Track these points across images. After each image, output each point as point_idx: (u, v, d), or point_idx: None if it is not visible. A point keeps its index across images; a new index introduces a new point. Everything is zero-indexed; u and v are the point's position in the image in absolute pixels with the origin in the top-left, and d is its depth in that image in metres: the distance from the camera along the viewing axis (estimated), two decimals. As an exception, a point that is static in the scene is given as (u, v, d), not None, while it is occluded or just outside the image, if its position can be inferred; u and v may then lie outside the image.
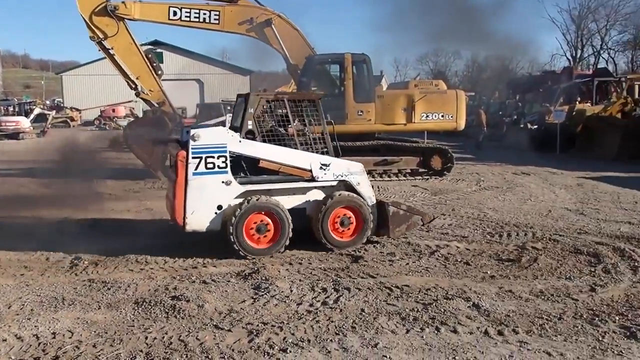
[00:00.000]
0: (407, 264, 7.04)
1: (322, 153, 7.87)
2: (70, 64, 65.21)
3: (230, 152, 7.31)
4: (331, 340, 4.79)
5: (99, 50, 14.90)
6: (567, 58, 61.66)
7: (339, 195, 7.60)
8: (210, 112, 26.97)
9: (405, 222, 7.91)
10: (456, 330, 4.98)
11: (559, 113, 21.38)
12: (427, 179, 14.40)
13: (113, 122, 46.91)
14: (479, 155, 19.92)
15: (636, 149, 17.19)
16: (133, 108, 47.28)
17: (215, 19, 14.50)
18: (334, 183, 7.72)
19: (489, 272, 6.66)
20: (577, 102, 23.11)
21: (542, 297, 5.80)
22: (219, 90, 51.48)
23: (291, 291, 6.02)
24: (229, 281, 6.39)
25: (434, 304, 5.56)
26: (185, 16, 14.46)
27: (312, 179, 7.59)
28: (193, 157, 7.17)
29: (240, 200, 7.30)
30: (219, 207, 7.33)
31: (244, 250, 7.26)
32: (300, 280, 6.38)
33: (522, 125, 24.19)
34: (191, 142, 7.17)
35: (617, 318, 5.21)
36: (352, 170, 7.76)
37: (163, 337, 4.90)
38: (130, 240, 8.32)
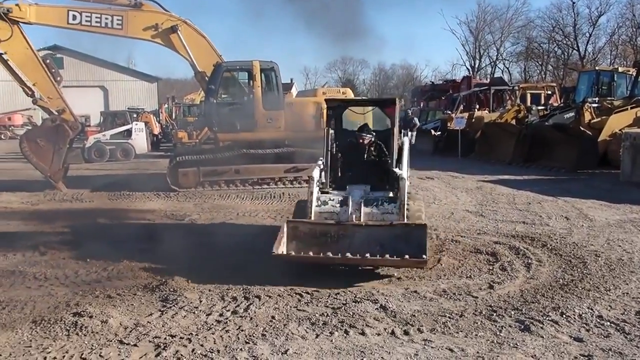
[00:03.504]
0: (316, 269, 7.10)
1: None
2: (-42, 69, 60.44)
3: None
4: (241, 350, 4.76)
5: (-8, 55, 14.02)
6: (467, 68, 65.40)
7: None
8: (115, 120, 26.04)
9: None
10: (364, 332, 5.09)
11: (460, 120, 22.48)
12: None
13: (9, 131, 44.19)
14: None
15: (529, 153, 18.39)
16: (31, 116, 44.74)
17: (118, 24, 14.02)
18: None
19: (395, 274, 6.86)
20: (476, 110, 24.45)
21: (445, 296, 6.06)
22: (124, 97, 49.85)
23: (200, 301, 5.92)
24: (135, 294, 6.19)
25: (343, 308, 5.66)
26: (86, 21, 13.89)
27: None
28: None
29: None
30: None
31: None
32: (210, 290, 6.28)
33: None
34: None
35: (512, 313, 5.51)
36: None
37: (63, 357, 4.66)
38: (29, 256, 7.90)
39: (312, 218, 7.22)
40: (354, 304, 5.77)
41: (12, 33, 13.47)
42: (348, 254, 6.53)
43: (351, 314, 5.52)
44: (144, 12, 14.20)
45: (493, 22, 63.51)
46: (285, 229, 6.93)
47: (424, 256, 6.30)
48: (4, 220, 10.64)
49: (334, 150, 8.09)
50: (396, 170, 7.39)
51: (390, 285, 6.47)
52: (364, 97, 13.88)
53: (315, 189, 7.43)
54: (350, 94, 15.97)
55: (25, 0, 13.65)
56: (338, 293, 6.11)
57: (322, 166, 7.81)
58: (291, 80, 38.70)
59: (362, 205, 7.19)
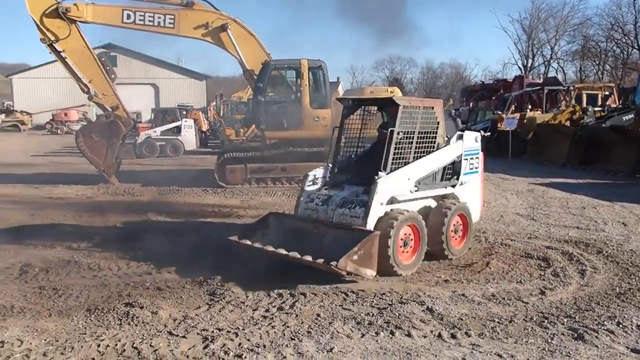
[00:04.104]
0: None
1: None
2: (21, 66, 63.16)
3: None
4: (287, 346, 4.78)
5: (50, 53, 14.56)
6: (519, 67, 63.64)
7: None
8: (165, 117, 26.59)
9: None
10: (410, 334, 5.04)
11: (511, 120, 21.96)
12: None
13: (65, 127, 45.80)
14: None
15: (584, 155, 17.79)
16: (86, 112, 46.28)
17: (170, 23, 14.33)
18: None
19: (442, 277, 6.77)
20: (528, 110, 23.82)
21: (494, 300, 5.93)
22: (174, 94, 50.95)
23: (247, 297, 5.98)
24: (184, 287, 6.32)
25: (388, 308, 5.62)
26: (140, 19, 14.24)
27: None
28: None
29: None
30: None
31: None
32: (256, 285, 6.34)
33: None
34: None
35: (565, 320, 5.35)
36: None
37: (116, 345, 4.80)
38: (83, 246, 8.17)
39: (299, 214, 7.45)
40: (400, 305, 5.72)
41: (70, 32, 13.94)
42: (281, 250, 6.65)
43: (397, 314, 5.47)
44: (195, 11, 14.46)
45: (547, 20, 61.62)
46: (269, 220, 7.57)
47: (334, 263, 6.07)
48: (60, 212, 11.03)
49: (353, 148, 7.95)
50: (380, 172, 6.93)
51: (437, 287, 6.37)
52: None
53: (307, 186, 7.62)
54: (398, 93, 15.81)
55: (82, 0, 14.11)
56: (384, 294, 6.06)
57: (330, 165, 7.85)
58: (338, 78, 38.65)
59: (338, 206, 7.16)
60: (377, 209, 6.81)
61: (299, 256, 6.45)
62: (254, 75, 14.61)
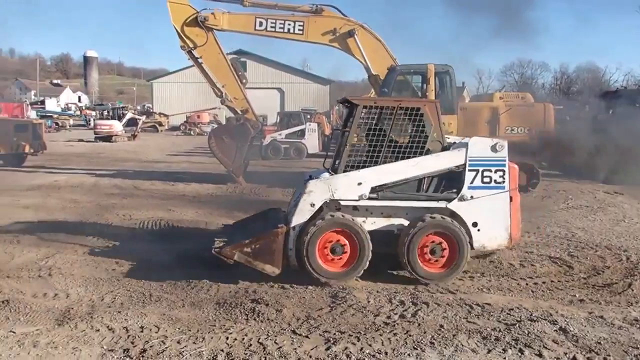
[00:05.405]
0: (489, 281, 6.83)
1: None
2: (160, 72, 68.59)
3: None
4: (409, 355, 4.70)
5: (189, 59, 15.57)
6: (667, 71, 57.64)
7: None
8: (290, 121, 27.37)
9: None
10: (541, 354, 4.74)
11: (657, 130, 20.02)
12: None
13: (197, 128, 48.82)
14: (567, 172, 18.92)
15: None
16: (217, 115, 49.02)
17: (299, 30, 14.76)
18: None
19: (577, 296, 6.33)
20: (678, 119, 21.58)
21: (637, 325, 5.43)
22: (299, 99, 52.43)
23: (368, 302, 5.97)
24: (307, 288, 6.44)
25: (517, 325, 5.34)
26: (271, 27, 14.82)
27: None
28: None
29: None
30: None
31: None
32: (377, 291, 6.32)
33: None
34: None
35: None
36: None
37: (243, 339, 5.00)
38: (213, 241, 8.57)
39: (286, 211, 7.83)
40: (529, 322, 5.41)
41: (207, 39, 14.84)
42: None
43: (526, 332, 5.17)
44: (324, 17, 14.77)
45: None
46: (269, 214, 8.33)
47: (217, 249, 6.79)
48: (193, 209, 11.72)
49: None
50: (324, 174, 7.00)
51: (571, 306, 5.96)
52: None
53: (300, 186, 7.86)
54: (530, 99, 15.08)
55: (219, 9, 14.96)
56: (512, 309, 5.77)
57: None
58: (463, 83, 37.62)
59: (292, 206, 7.20)
60: (306, 211, 6.70)
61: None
62: (379, 80, 14.62)
